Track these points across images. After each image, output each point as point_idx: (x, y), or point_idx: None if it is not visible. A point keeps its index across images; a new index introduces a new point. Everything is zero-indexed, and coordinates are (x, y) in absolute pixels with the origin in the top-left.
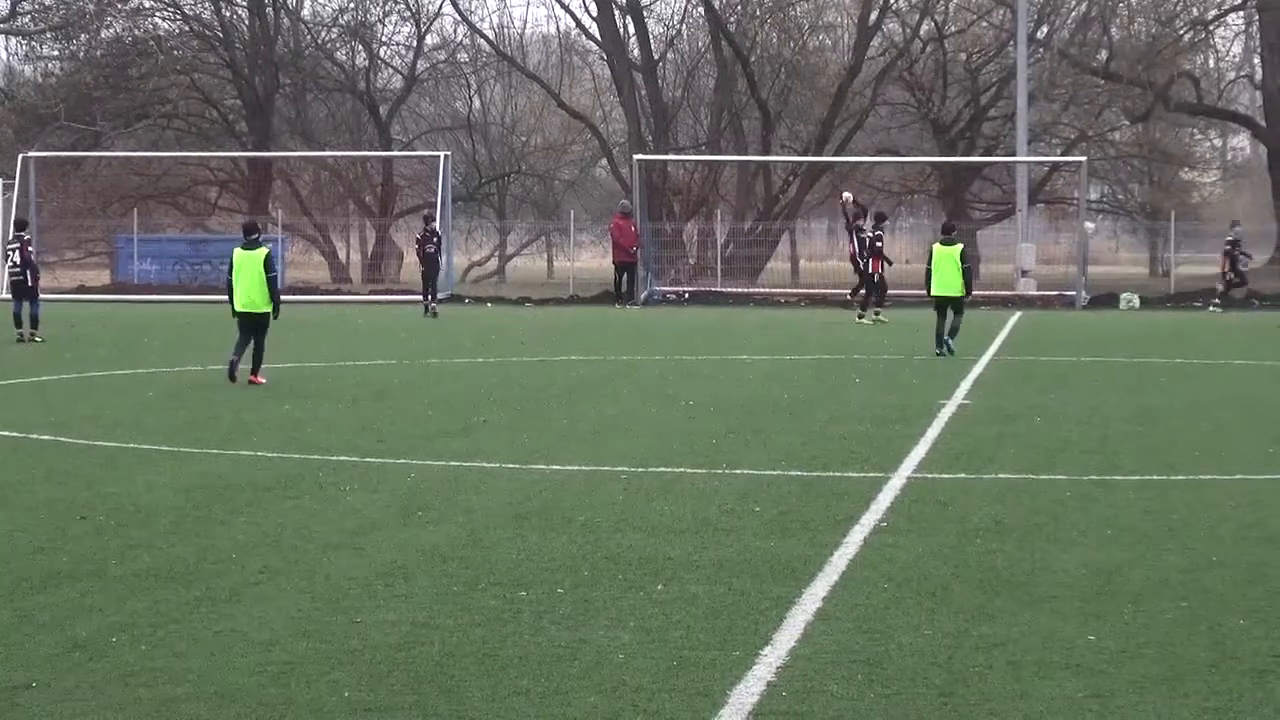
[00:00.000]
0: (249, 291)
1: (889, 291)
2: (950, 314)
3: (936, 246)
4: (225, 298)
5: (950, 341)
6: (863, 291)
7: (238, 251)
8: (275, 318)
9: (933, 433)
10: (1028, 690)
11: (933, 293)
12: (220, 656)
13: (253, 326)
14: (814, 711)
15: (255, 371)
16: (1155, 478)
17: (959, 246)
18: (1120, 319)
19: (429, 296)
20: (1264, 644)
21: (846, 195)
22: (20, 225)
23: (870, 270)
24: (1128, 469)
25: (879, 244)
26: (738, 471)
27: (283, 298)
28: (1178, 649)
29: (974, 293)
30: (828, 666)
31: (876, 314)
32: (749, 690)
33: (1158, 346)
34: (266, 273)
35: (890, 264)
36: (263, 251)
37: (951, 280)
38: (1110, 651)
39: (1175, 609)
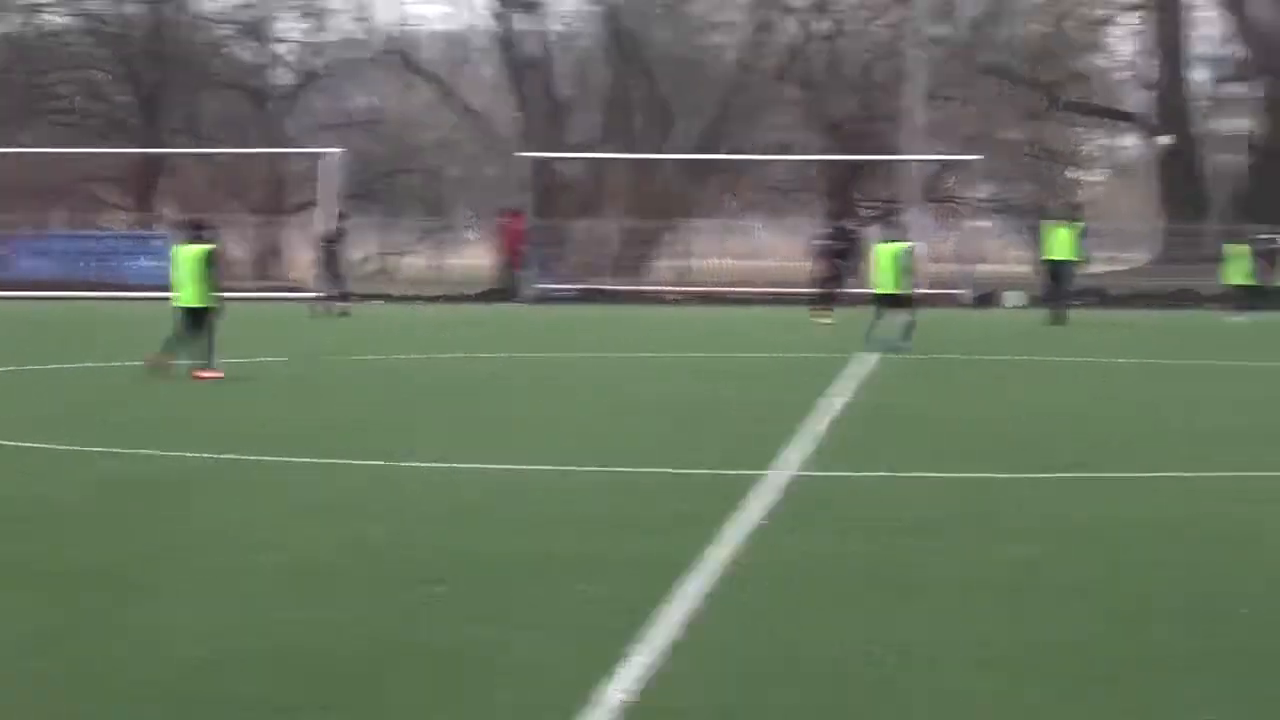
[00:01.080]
0: (185, 287)
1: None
2: (890, 313)
3: (878, 245)
4: (138, 294)
5: (901, 342)
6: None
7: (179, 247)
8: (215, 314)
9: (817, 430)
10: (910, 686)
11: (875, 291)
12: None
13: (191, 322)
14: (691, 709)
15: (198, 368)
16: (1046, 476)
17: (900, 245)
18: (1007, 317)
19: (332, 294)
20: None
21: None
22: None
23: (813, 270)
24: (1014, 466)
25: (815, 242)
26: (622, 469)
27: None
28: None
29: (853, 290)
30: (705, 665)
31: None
32: (625, 688)
33: (1043, 344)
34: (204, 268)
35: (845, 268)
36: (202, 248)
37: (889, 279)
38: (1001, 644)
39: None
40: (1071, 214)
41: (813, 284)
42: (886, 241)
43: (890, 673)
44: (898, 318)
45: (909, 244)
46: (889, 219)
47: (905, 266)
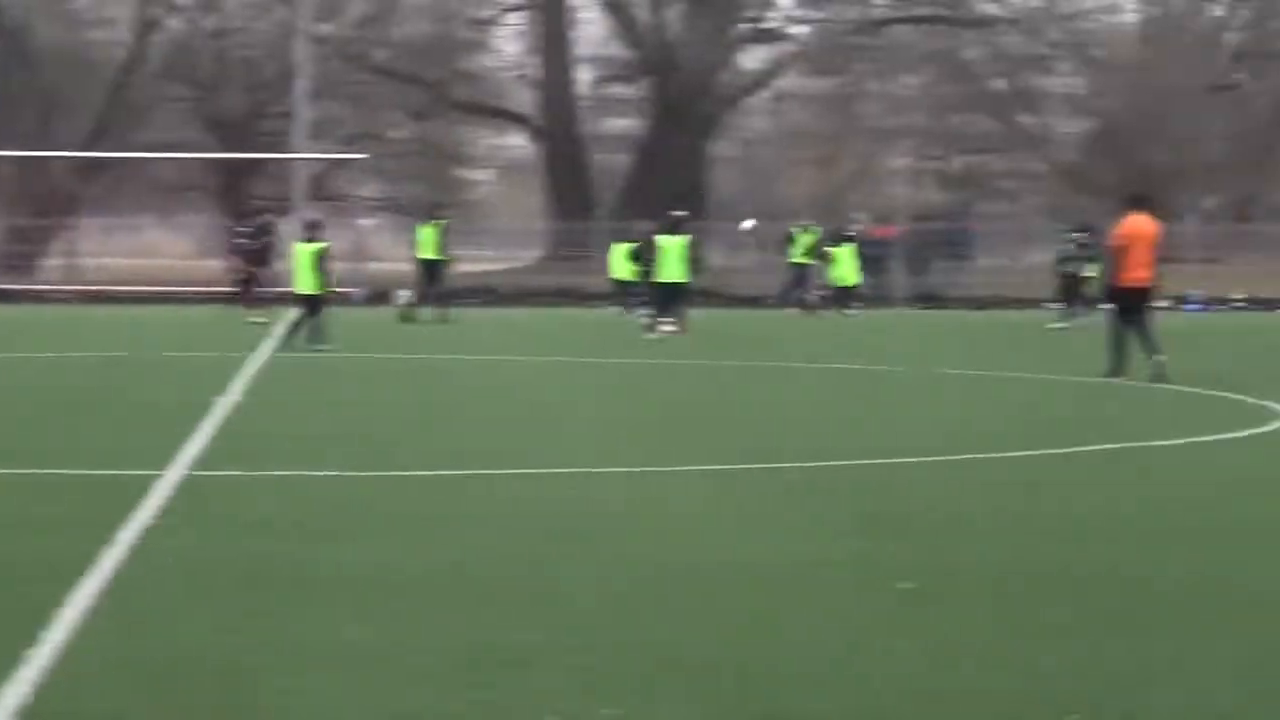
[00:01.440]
0: None
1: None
2: (308, 311)
3: (297, 245)
4: None
5: (317, 343)
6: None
7: None
8: None
9: (210, 429)
10: (303, 684)
11: (295, 290)
12: None
13: None
14: (84, 710)
15: None
16: (444, 473)
17: (318, 245)
18: (396, 315)
19: None
20: (520, 636)
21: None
22: None
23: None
24: (405, 464)
25: (233, 240)
26: (11, 470)
27: None
28: (434, 642)
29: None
30: (100, 666)
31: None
32: (15, 692)
33: (426, 343)
34: None
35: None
36: None
37: (308, 278)
38: (383, 644)
39: (448, 600)
40: (434, 212)
41: (230, 282)
42: (306, 241)
43: (275, 672)
44: (313, 317)
45: (326, 243)
46: (306, 218)
47: (321, 266)
